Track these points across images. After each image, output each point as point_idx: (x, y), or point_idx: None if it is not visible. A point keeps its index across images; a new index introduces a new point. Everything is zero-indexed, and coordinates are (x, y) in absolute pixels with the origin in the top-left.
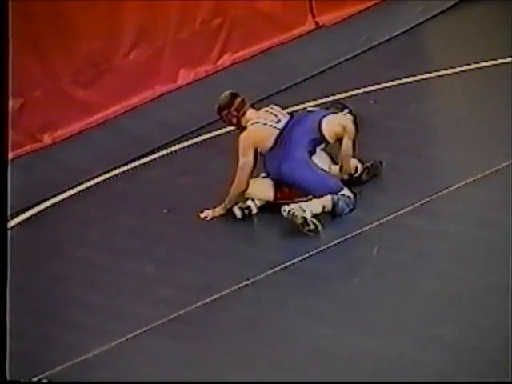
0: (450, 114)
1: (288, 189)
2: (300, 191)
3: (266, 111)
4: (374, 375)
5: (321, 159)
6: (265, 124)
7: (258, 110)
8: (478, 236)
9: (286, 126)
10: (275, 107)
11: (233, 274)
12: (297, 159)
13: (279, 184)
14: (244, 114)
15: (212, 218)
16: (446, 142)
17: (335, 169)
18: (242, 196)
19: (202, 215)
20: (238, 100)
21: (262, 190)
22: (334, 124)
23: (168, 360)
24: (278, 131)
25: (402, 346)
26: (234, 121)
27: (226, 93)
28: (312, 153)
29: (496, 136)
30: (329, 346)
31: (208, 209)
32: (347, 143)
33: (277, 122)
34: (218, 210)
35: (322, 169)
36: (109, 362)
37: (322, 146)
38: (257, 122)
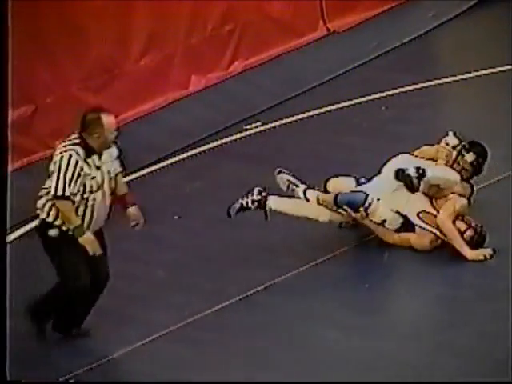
0: (461, 120)
1: None
2: None
3: None
4: (384, 379)
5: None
6: None
7: None
8: (488, 242)
9: None
10: None
11: (244, 279)
12: None
13: None
14: None
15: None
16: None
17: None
18: None
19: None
20: None
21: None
22: None
23: (180, 365)
24: None
25: (412, 350)
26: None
27: None
28: None
29: (507, 142)
30: (340, 351)
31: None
32: None
33: None
34: None
35: None
36: (120, 367)
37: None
38: None
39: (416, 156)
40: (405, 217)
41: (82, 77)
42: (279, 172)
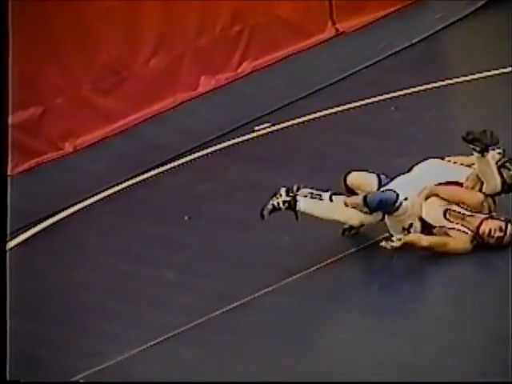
0: (470, 121)
1: None
2: None
3: None
4: (391, 380)
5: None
6: None
7: None
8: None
9: None
10: None
11: (253, 281)
12: None
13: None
14: None
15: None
16: (466, 148)
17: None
18: None
19: None
20: None
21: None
22: None
23: (189, 367)
24: None
25: (421, 352)
26: None
27: None
28: None
29: None
30: (349, 353)
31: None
32: None
33: None
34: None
35: None
36: (129, 369)
37: None
38: None
39: (449, 161)
40: (423, 221)
41: (91, 78)
42: (297, 189)
